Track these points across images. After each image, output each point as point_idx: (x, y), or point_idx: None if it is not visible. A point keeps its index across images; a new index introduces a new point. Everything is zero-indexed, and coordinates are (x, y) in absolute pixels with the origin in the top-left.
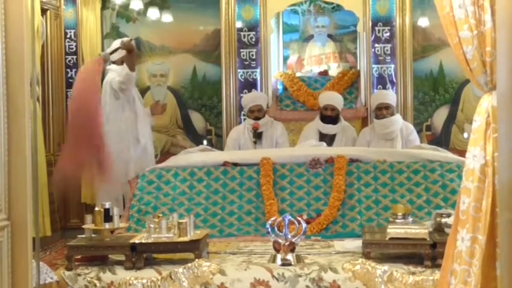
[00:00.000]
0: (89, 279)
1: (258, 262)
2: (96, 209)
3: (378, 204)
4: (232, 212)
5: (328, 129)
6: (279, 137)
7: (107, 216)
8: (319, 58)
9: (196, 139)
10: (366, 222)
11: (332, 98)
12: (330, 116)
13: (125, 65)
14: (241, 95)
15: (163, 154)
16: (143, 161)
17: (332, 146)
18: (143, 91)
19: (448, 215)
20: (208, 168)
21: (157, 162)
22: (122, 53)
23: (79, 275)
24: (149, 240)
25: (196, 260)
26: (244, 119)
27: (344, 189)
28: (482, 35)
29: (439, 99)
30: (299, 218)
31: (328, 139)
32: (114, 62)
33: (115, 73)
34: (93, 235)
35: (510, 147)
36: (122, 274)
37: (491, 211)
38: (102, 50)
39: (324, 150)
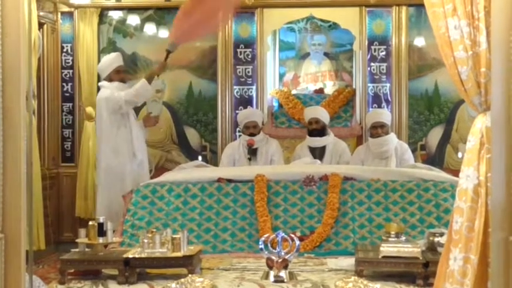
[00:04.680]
0: None
1: (251, 279)
2: (90, 223)
3: (372, 223)
4: (225, 228)
5: (316, 142)
6: (274, 154)
7: (101, 231)
8: (315, 76)
9: (191, 155)
10: (359, 240)
11: (314, 111)
12: (316, 129)
13: (117, 83)
14: (237, 111)
15: (158, 169)
16: (140, 176)
17: (322, 160)
18: (139, 106)
19: (441, 234)
20: (203, 184)
21: (152, 177)
22: (111, 68)
23: None
24: (143, 255)
25: (189, 275)
26: (240, 136)
27: (338, 207)
28: (477, 56)
29: (433, 119)
30: (292, 235)
31: (318, 153)
32: (104, 79)
33: (108, 90)
34: (86, 249)
35: (503, 167)
36: None
37: (483, 231)
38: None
39: (318, 168)
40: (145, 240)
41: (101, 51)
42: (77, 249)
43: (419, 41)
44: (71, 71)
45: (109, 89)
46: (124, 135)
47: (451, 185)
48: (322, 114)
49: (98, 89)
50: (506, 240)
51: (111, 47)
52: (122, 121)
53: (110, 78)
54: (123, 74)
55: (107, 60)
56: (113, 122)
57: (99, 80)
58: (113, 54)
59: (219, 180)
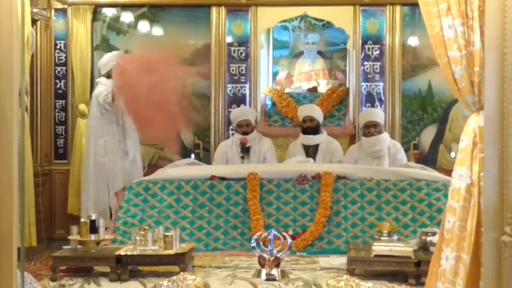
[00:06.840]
0: None
1: (243, 277)
2: (82, 220)
3: (364, 222)
4: (218, 226)
5: (310, 140)
6: (267, 152)
7: (93, 228)
8: (309, 75)
9: (184, 153)
10: (351, 239)
11: (309, 109)
12: (310, 127)
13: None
14: (230, 109)
15: (151, 167)
16: (132, 174)
17: (315, 158)
18: None
19: (434, 234)
20: (195, 182)
21: (145, 174)
22: (109, 67)
23: (63, 286)
24: (135, 253)
25: (181, 273)
26: (233, 134)
27: (330, 206)
28: (471, 55)
29: (427, 118)
30: (285, 234)
31: (311, 151)
32: (102, 75)
33: (104, 86)
34: (78, 246)
35: (496, 167)
36: (106, 286)
37: (476, 231)
38: (92, 61)
39: (311, 167)
40: (138, 238)
41: (95, 49)
42: (69, 246)
43: (413, 40)
44: (64, 68)
45: (105, 85)
46: (116, 132)
47: (443, 185)
48: (317, 113)
49: (92, 86)
50: (499, 240)
51: (105, 44)
52: (114, 119)
53: (108, 75)
54: None
55: (107, 58)
56: (106, 118)
57: (92, 77)
58: (115, 53)
59: (212, 178)
